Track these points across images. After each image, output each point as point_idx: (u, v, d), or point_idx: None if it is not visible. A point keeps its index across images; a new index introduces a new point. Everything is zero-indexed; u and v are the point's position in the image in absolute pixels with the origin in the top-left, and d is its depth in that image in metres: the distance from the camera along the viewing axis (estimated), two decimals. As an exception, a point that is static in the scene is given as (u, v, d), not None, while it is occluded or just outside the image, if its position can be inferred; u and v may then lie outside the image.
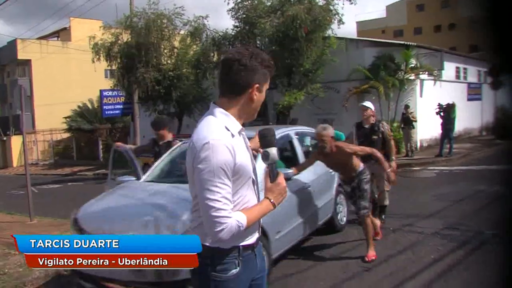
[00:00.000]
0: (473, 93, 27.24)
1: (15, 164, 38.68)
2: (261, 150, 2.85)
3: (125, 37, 23.15)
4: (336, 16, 20.45)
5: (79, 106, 37.17)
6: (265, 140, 2.84)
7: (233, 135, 2.68)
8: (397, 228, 8.80)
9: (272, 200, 2.76)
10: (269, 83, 2.85)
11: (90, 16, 41.64)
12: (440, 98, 20.87)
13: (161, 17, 22.68)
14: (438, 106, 19.97)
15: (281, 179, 2.81)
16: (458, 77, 27.99)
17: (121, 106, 27.75)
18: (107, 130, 34.84)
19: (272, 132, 2.84)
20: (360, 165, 7.22)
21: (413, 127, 19.95)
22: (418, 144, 21.87)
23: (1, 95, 47.44)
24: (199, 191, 2.59)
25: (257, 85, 2.75)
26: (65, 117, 36.97)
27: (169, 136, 8.64)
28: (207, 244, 2.68)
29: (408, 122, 19.87)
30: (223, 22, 67.25)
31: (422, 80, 22.95)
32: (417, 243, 7.77)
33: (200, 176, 2.57)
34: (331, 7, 20.22)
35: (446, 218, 9.33)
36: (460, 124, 22.59)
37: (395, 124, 21.38)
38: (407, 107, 20.24)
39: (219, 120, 2.71)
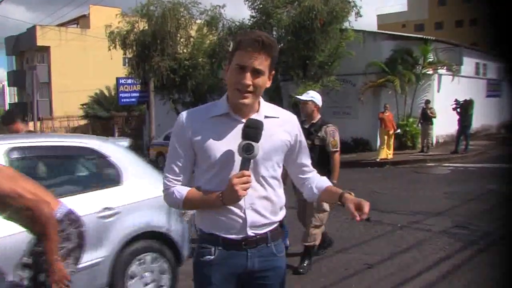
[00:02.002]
0: (492, 89, 26.86)
1: (32, 149, 38.96)
2: (243, 142, 2.53)
3: (141, 25, 23.12)
4: (354, 8, 20.27)
5: (96, 94, 37.44)
6: (249, 131, 2.54)
7: (207, 117, 2.66)
8: (404, 225, 8.66)
9: (220, 196, 2.55)
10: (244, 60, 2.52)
11: (110, 4, 41.80)
12: (458, 94, 20.57)
13: (178, 5, 22.61)
14: (455, 102, 19.70)
15: (234, 177, 2.49)
16: (477, 73, 27.60)
17: (137, 94, 27.77)
18: (123, 118, 34.98)
19: (257, 123, 2.56)
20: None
21: (432, 123, 19.74)
22: (434, 140, 21.61)
23: (21, 82, 47.76)
24: None
25: (228, 65, 2.64)
26: (82, 104, 37.19)
27: (23, 129, 6.88)
28: (198, 225, 2.81)
29: (427, 117, 19.65)
30: (240, 12, 67.11)
31: (440, 75, 22.68)
32: (424, 241, 7.62)
33: None
34: (349, -1, 20.04)
35: (455, 217, 9.17)
36: (478, 121, 22.28)
37: (410, 119, 21.18)
38: (427, 102, 20.01)
39: (213, 103, 2.79)
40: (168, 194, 2.70)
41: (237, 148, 2.52)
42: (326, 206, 6.40)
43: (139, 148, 31.16)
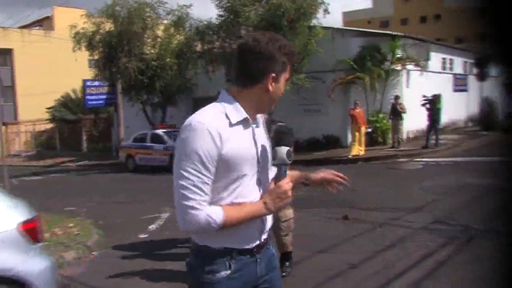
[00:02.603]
0: (459, 84, 27.15)
1: (-3, 155, 38.12)
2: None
3: (107, 26, 22.77)
4: (322, 5, 20.25)
5: (62, 97, 36.80)
6: (279, 137, 2.58)
7: (231, 124, 2.41)
8: (384, 222, 8.58)
9: (266, 203, 2.45)
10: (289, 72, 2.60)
11: (74, 5, 41.13)
12: (426, 89, 20.70)
13: (144, 5, 22.40)
14: (423, 98, 19.82)
15: (284, 182, 2.49)
16: (444, 68, 27.89)
17: (105, 96, 27.34)
18: (91, 120, 34.47)
19: (289, 130, 2.59)
20: None
21: (402, 119, 19.81)
22: (405, 136, 21.71)
23: (-17, 86, 46.75)
24: (174, 175, 2.36)
25: (273, 75, 2.47)
26: (48, 108, 36.54)
27: None
28: (196, 241, 2.51)
29: (396, 113, 19.72)
30: (207, 11, 66.86)
31: (408, 71, 22.78)
32: (405, 238, 7.54)
33: (176, 159, 2.36)
34: (316, -5, 20.01)
35: (433, 212, 9.14)
36: (446, 115, 22.45)
37: (381, 115, 21.24)
38: (397, 97, 20.08)
39: (219, 107, 2.47)
40: (198, 220, 2.31)
41: (278, 155, 2.53)
42: (289, 212, 6.27)
43: (108, 150, 30.79)
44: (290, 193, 2.48)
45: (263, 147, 2.54)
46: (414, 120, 21.58)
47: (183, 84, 23.99)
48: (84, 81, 27.06)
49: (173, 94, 24.31)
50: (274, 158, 2.54)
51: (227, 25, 20.78)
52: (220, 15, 21.19)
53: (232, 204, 2.41)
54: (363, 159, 18.12)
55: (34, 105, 38.88)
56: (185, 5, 22.29)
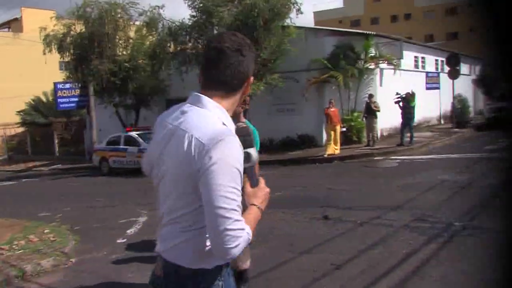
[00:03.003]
0: (431, 82, 27.34)
1: (-34, 160, 37.46)
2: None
3: (78, 28, 22.45)
4: (295, 5, 20.26)
5: (33, 100, 36.21)
6: (244, 140, 2.31)
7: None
8: (365, 221, 8.54)
9: (259, 206, 2.34)
10: None
11: (43, 6, 40.56)
12: (399, 88, 20.83)
13: (115, 6, 22.11)
14: (396, 96, 19.93)
15: (263, 183, 2.42)
16: (416, 66, 28.15)
17: (76, 99, 26.91)
18: (63, 123, 33.98)
19: (249, 131, 2.41)
20: None
21: (376, 117, 19.90)
22: (379, 134, 21.82)
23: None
24: (210, 200, 2.07)
25: (252, 78, 2.38)
26: (19, 111, 35.95)
27: None
28: (188, 266, 2.22)
29: (371, 111, 19.79)
30: (180, 12, 66.46)
31: (381, 69, 22.93)
32: (387, 236, 7.52)
33: (212, 181, 2.06)
34: (290, -4, 20.01)
35: (413, 210, 9.14)
36: (419, 113, 22.60)
37: (355, 114, 21.33)
38: (371, 96, 20.17)
39: (215, 115, 2.23)
40: (243, 241, 2.10)
41: (251, 158, 2.41)
42: None
43: (81, 154, 30.38)
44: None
45: None
46: (388, 118, 21.72)
47: (156, 85, 23.80)
48: (55, 83, 26.62)
49: (146, 96, 24.07)
50: (247, 161, 2.37)
51: (199, 25, 20.65)
52: (193, 16, 21.04)
53: None
54: (339, 158, 18.15)
55: (4, 109, 38.17)
56: (157, 6, 22.05)
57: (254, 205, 2.33)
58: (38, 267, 7.35)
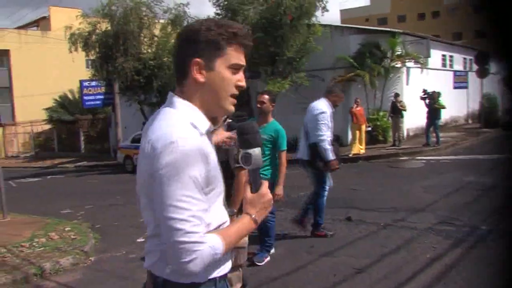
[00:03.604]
0: (459, 81, 26.90)
1: (-6, 156, 38.13)
2: (241, 151, 2.13)
3: (103, 26, 22.54)
4: (320, 3, 20.08)
5: (60, 97, 36.56)
6: (246, 138, 2.11)
7: (201, 134, 1.99)
8: (388, 223, 8.36)
9: (254, 216, 2.08)
10: (239, 57, 2.08)
11: (71, 5, 40.92)
12: (426, 86, 20.50)
13: (140, 4, 22.16)
14: (423, 92, 19.63)
15: (265, 189, 2.13)
16: (444, 65, 27.73)
17: (102, 97, 27.09)
18: (89, 121, 34.23)
19: (254, 128, 2.12)
20: None
21: (402, 116, 19.64)
22: (405, 133, 21.54)
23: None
24: (161, 208, 1.88)
25: (197, 60, 2.01)
26: (46, 108, 36.33)
27: None
28: (174, 280, 2.01)
29: (396, 111, 19.53)
30: (205, 10, 66.56)
31: (408, 68, 22.62)
32: (411, 240, 7.32)
33: (162, 188, 1.87)
34: (316, -7, 19.85)
35: (438, 212, 8.93)
36: (446, 112, 22.23)
37: (381, 113, 21.07)
38: (397, 95, 19.92)
39: (181, 114, 2.02)
40: (205, 255, 1.89)
41: (253, 159, 2.08)
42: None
43: (106, 151, 30.58)
44: (272, 200, 2.16)
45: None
46: (415, 117, 21.42)
47: (180, 83, 23.79)
48: (81, 81, 26.82)
49: (171, 94, 24.11)
50: (247, 163, 2.11)
51: (225, 24, 20.57)
52: (218, 14, 20.98)
53: (218, 227, 2.05)
54: (364, 157, 17.93)
55: (32, 106, 38.68)
56: (182, 4, 22.11)
57: (248, 214, 2.10)
58: (57, 265, 7.34)
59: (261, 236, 6.71)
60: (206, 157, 1.94)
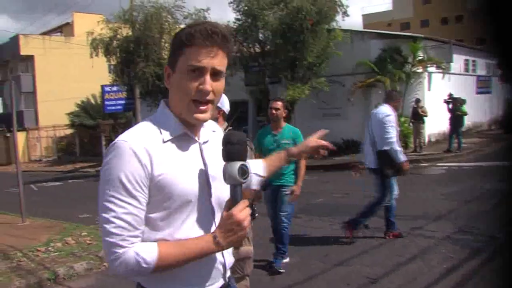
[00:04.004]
0: (482, 86, 26.59)
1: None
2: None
3: (124, 31, 22.69)
4: (341, 8, 20.00)
5: (82, 102, 36.87)
6: (228, 149, 1.97)
7: (164, 141, 1.96)
8: (405, 231, 8.23)
9: (216, 237, 1.92)
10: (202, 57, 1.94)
11: (94, 10, 41.26)
12: (448, 92, 20.30)
13: (161, 10, 22.24)
14: (448, 95, 19.43)
15: (237, 210, 1.91)
16: (467, 69, 27.41)
17: (123, 102, 27.28)
18: (110, 126, 34.46)
19: (240, 138, 1.97)
20: None
21: (423, 122, 19.45)
22: (426, 139, 21.31)
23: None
24: (98, 207, 1.90)
25: (166, 66, 2.05)
26: (68, 113, 36.65)
27: None
28: (146, 286, 2.01)
29: (418, 116, 19.35)
30: (225, 15, 66.83)
31: (430, 73, 22.39)
32: (427, 249, 7.20)
33: (99, 186, 1.90)
34: (336, -2, 19.79)
35: (456, 220, 8.78)
36: (469, 118, 21.97)
37: (402, 119, 20.86)
38: (418, 101, 19.75)
39: (151, 120, 2.05)
40: (125, 260, 1.83)
41: (228, 174, 1.93)
42: (247, 249, 4.77)
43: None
44: (246, 223, 1.91)
45: (218, 167, 2.01)
46: (436, 123, 21.21)
47: (201, 89, 23.85)
48: (103, 86, 27.04)
49: (190, 99, 24.19)
50: (224, 177, 1.96)
51: (244, 29, 20.59)
52: (238, 19, 21.01)
53: (178, 239, 1.94)
54: (384, 164, 17.72)
55: (55, 111, 39.02)
56: (202, 9, 22.12)
57: (213, 234, 1.94)
58: (71, 270, 7.35)
59: (275, 243, 6.71)
60: (151, 161, 1.89)
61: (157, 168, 1.89)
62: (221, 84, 2.02)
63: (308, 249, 7.64)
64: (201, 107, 1.97)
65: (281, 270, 6.60)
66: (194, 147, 2.05)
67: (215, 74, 1.97)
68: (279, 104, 6.69)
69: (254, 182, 2.46)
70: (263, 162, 2.52)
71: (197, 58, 1.92)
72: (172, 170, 1.93)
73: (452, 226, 8.41)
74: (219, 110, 4.68)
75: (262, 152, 6.28)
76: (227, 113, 4.69)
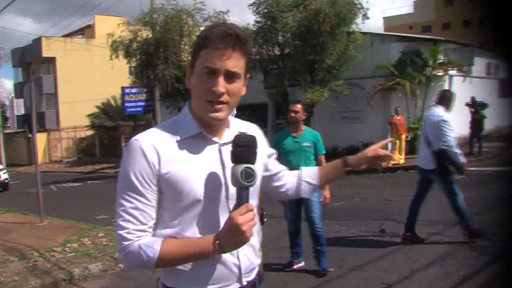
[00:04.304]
0: (505, 90, 26.28)
1: (40, 161, 38.84)
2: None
3: (144, 33, 22.82)
4: (361, 10, 19.91)
5: (102, 103, 37.18)
6: (234, 151, 1.95)
7: (178, 140, 2.00)
8: (423, 237, 8.12)
9: (219, 239, 1.90)
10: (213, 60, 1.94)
11: (116, 13, 41.54)
12: (469, 95, 20.08)
13: (181, 13, 22.37)
14: (471, 99, 19.24)
15: (237, 213, 1.86)
16: (489, 73, 27.11)
17: (143, 103, 27.49)
18: (130, 127, 34.67)
19: (249, 140, 1.96)
20: None
21: (443, 126, 19.24)
22: (447, 143, 21.08)
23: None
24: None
25: (187, 68, 2.11)
26: (89, 114, 36.97)
27: None
28: (165, 282, 2.09)
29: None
30: (245, 18, 67.00)
31: (451, 77, 22.18)
32: (445, 255, 7.09)
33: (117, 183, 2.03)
34: (356, 1, 19.67)
35: (476, 226, 8.62)
36: (491, 122, 21.74)
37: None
38: (439, 104, 19.55)
39: (172, 120, 2.13)
40: (130, 252, 1.91)
41: (232, 176, 1.91)
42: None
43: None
44: (245, 227, 1.84)
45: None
46: (457, 127, 20.83)
47: (220, 91, 23.90)
48: (123, 88, 27.24)
49: (210, 101, 24.25)
50: (232, 179, 1.93)
51: (264, 31, 20.61)
52: (257, 21, 21.04)
53: (188, 238, 1.97)
54: (403, 167, 17.61)
55: (76, 112, 39.40)
56: (222, 11, 22.21)
57: (216, 237, 1.92)
58: (86, 271, 7.40)
59: (314, 246, 6.72)
60: (159, 158, 1.94)
61: (164, 166, 1.94)
62: (237, 85, 2.01)
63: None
64: (216, 106, 1.97)
65: (330, 269, 6.64)
66: (212, 148, 2.06)
67: (230, 76, 1.97)
68: (298, 107, 6.68)
69: (306, 190, 2.50)
70: (318, 171, 2.51)
71: (211, 59, 1.94)
72: (182, 169, 1.96)
73: (471, 232, 8.26)
74: None
75: (281, 155, 6.25)
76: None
